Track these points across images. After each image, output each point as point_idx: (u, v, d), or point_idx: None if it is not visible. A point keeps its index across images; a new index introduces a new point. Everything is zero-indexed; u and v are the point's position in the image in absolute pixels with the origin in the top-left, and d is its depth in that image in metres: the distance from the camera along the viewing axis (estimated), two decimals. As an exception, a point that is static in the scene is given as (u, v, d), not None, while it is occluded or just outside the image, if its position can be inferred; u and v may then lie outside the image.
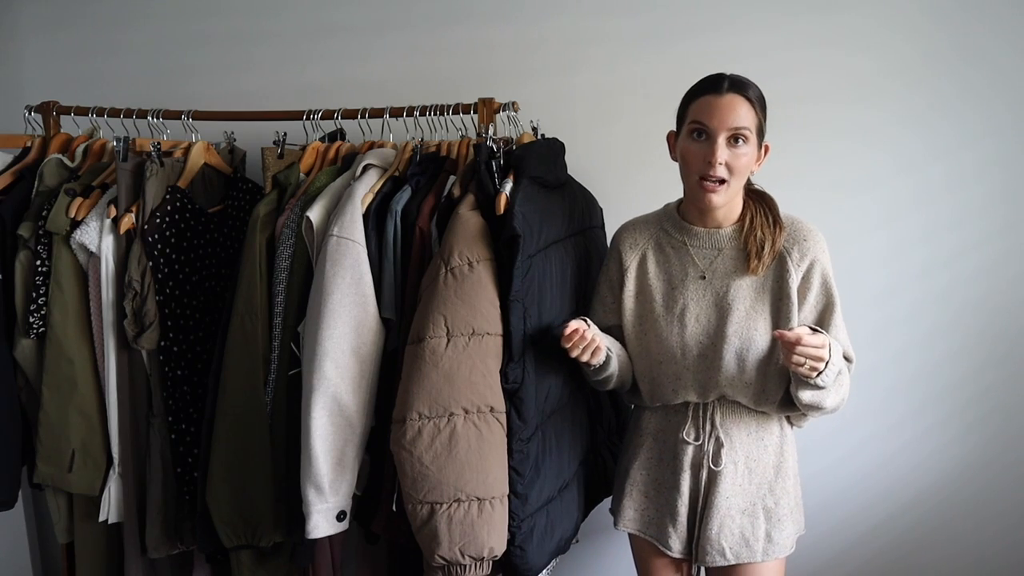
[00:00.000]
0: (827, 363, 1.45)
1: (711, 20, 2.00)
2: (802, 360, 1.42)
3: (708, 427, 1.62)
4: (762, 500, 1.63)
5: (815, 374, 1.45)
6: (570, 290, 1.75)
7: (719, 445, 1.61)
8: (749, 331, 1.57)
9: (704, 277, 1.60)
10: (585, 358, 1.54)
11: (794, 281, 1.56)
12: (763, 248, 1.56)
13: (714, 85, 1.52)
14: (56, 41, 2.45)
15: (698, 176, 1.52)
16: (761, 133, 1.54)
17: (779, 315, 1.57)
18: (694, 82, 1.58)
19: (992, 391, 1.99)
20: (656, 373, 1.64)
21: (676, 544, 1.65)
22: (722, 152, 1.49)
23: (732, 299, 1.57)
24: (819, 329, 1.49)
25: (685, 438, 1.62)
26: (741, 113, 1.49)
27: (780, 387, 1.58)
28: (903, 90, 1.93)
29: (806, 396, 1.51)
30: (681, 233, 1.64)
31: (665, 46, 2.03)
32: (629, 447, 1.75)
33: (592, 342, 1.53)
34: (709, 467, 1.62)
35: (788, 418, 1.68)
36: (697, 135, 1.52)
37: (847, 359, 1.60)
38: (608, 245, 1.96)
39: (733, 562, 1.62)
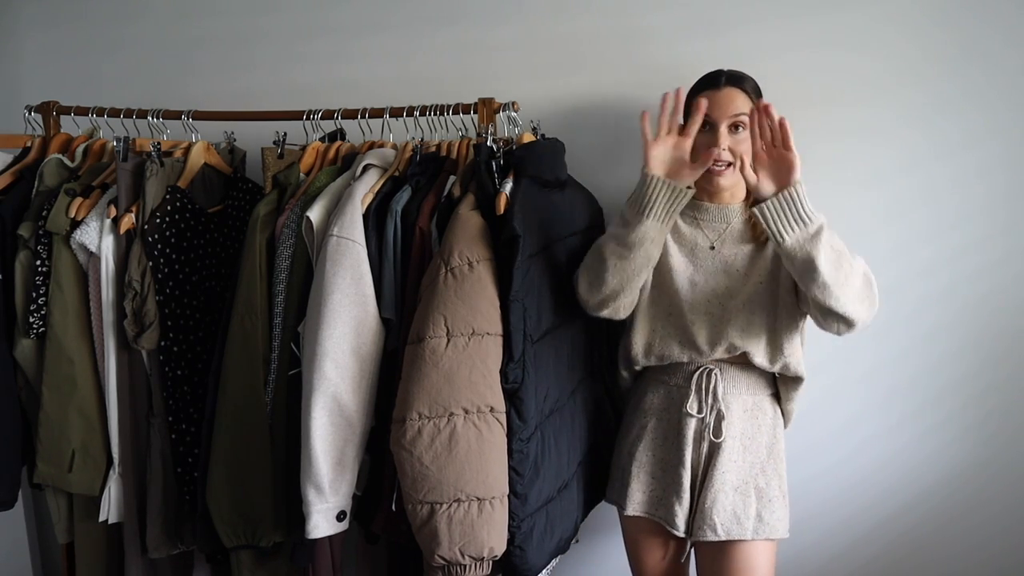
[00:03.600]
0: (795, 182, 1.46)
1: (713, 20, 2.00)
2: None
3: (711, 400, 1.70)
4: (754, 479, 1.70)
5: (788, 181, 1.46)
6: (570, 290, 1.75)
7: (720, 417, 1.69)
8: (756, 288, 1.68)
9: (714, 248, 1.72)
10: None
11: None
12: None
13: (713, 81, 1.69)
14: (56, 40, 2.45)
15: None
16: None
17: (783, 275, 1.67)
18: (694, 81, 1.72)
19: (994, 390, 1.98)
20: (664, 325, 1.72)
21: (681, 522, 1.70)
22: (725, 139, 1.65)
23: (741, 265, 1.71)
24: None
25: (689, 411, 1.70)
26: (739, 103, 1.65)
27: (791, 343, 1.68)
28: (906, 90, 1.93)
29: (823, 268, 1.48)
30: (693, 209, 1.76)
31: (666, 46, 2.02)
32: (632, 429, 1.79)
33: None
34: (710, 439, 1.69)
35: (782, 411, 1.77)
36: (702, 127, 1.65)
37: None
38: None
39: (723, 538, 1.66)
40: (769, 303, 1.68)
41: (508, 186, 1.62)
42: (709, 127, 1.65)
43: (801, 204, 1.46)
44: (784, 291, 1.68)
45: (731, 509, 1.67)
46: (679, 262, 1.72)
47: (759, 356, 1.69)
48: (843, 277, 1.51)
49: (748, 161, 1.60)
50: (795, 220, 1.46)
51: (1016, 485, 2.00)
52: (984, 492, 2.01)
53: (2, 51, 2.48)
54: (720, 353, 1.68)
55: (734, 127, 1.65)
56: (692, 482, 1.70)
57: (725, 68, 1.70)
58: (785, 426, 1.79)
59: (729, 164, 1.66)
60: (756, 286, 1.69)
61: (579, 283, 1.66)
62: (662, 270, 1.73)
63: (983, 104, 1.90)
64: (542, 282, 1.62)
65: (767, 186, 1.49)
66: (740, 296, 1.68)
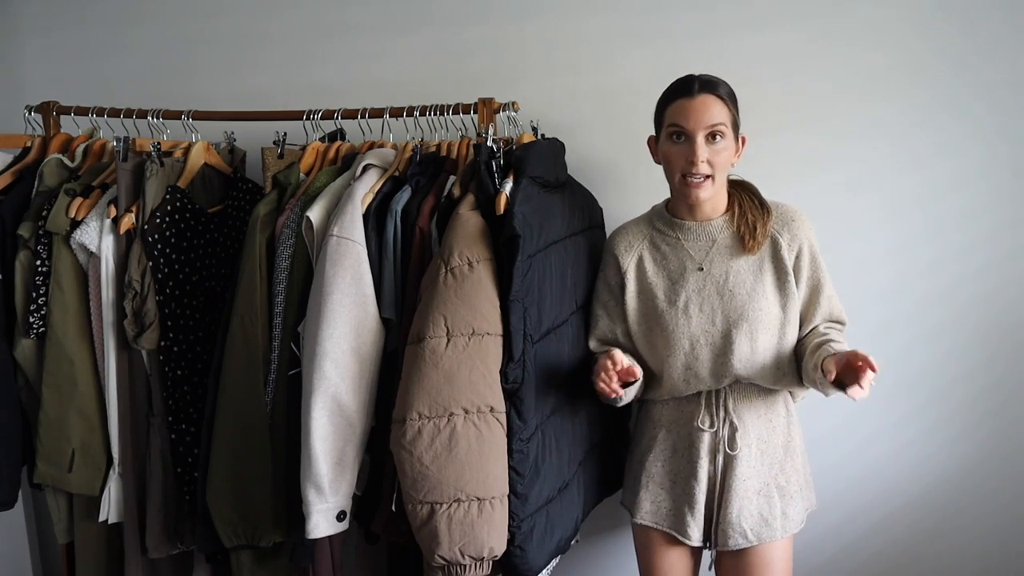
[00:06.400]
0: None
1: (714, 20, 2.00)
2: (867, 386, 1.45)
3: (722, 413, 1.67)
4: (774, 479, 1.68)
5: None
6: (570, 290, 1.75)
7: (733, 430, 1.66)
8: (756, 311, 1.62)
9: (702, 269, 1.66)
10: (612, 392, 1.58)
11: (789, 260, 1.65)
12: (755, 228, 1.64)
13: (686, 88, 1.60)
14: (56, 41, 2.45)
15: (681, 175, 1.61)
16: (736, 126, 1.63)
17: (781, 291, 1.65)
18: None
19: (997, 388, 1.98)
20: (666, 367, 1.67)
21: (695, 532, 1.68)
22: (702, 151, 1.57)
23: (733, 284, 1.64)
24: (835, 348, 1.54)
25: (700, 426, 1.67)
26: (715, 111, 1.57)
27: (793, 362, 1.65)
28: (911, 87, 1.92)
29: (832, 392, 1.56)
30: (674, 229, 1.70)
31: (667, 45, 2.02)
32: (642, 439, 1.77)
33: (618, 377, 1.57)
34: (725, 452, 1.66)
35: (791, 395, 1.75)
36: (676, 137, 1.60)
37: (840, 322, 1.69)
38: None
39: (755, 543, 1.66)
40: (772, 321, 1.63)
41: (508, 186, 1.62)
42: (685, 138, 1.58)
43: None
44: (791, 305, 1.63)
45: (758, 513, 1.65)
46: (665, 297, 1.66)
47: (766, 382, 1.65)
48: None
49: (725, 174, 1.61)
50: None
51: (1019, 482, 2.00)
52: (986, 489, 2.02)
53: (3, 52, 2.48)
54: (726, 383, 1.65)
55: (711, 137, 1.57)
56: (709, 494, 1.67)
57: (697, 72, 1.62)
58: (795, 400, 1.76)
59: (707, 176, 1.58)
60: (754, 303, 1.62)
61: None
62: (649, 315, 1.68)
63: (987, 101, 1.90)
64: (542, 282, 1.62)
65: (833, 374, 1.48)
66: (739, 317, 1.61)
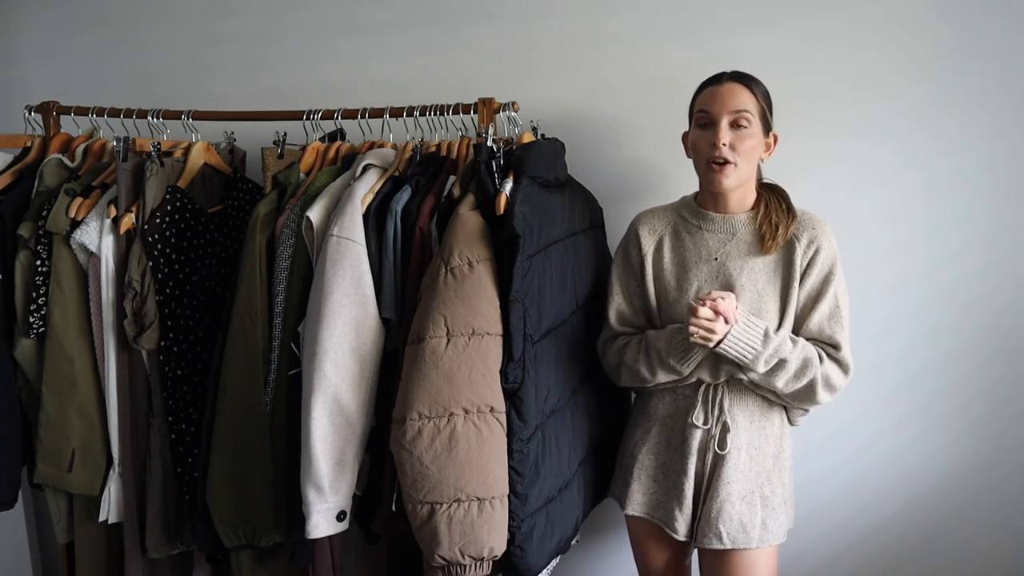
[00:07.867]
0: (723, 338, 1.53)
1: (714, 21, 2.00)
2: (693, 330, 1.52)
3: (716, 412, 1.67)
4: (760, 488, 1.68)
5: (711, 344, 1.54)
6: (570, 290, 1.75)
7: (725, 430, 1.66)
8: (759, 313, 1.62)
9: (717, 259, 1.66)
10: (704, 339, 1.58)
11: (800, 264, 1.64)
12: (777, 229, 1.64)
13: (716, 78, 1.65)
14: (56, 41, 2.45)
15: (706, 160, 1.62)
16: (766, 120, 1.64)
17: (787, 298, 1.64)
18: (696, 81, 1.69)
19: (996, 388, 1.98)
20: None
21: (682, 527, 1.69)
22: (725, 134, 1.59)
23: (743, 282, 1.64)
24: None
25: (694, 422, 1.67)
26: (741, 98, 1.60)
27: None
28: (909, 87, 1.92)
29: (749, 375, 1.61)
30: (697, 219, 1.71)
31: (667, 45, 2.02)
32: (636, 431, 1.78)
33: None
34: (714, 451, 1.66)
35: (786, 412, 1.75)
36: (703, 124, 1.63)
37: (836, 360, 1.65)
38: (607, 245, 1.97)
39: (729, 547, 1.66)
40: (773, 325, 1.62)
41: (508, 186, 1.62)
42: (709, 124, 1.61)
43: (737, 354, 1.56)
44: (790, 310, 1.63)
45: (737, 518, 1.66)
46: (677, 284, 1.68)
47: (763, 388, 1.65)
48: (797, 387, 1.62)
49: (749, 164, 1.60)
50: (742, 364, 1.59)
51: (1019, 484, 2.00)
52: (986, 491, 2.01)
53: (3, 52, 2.48)
54: (723, 378, 1.66)
55: (735, 123, 1.59)
56: (696, 491, 1.68)
57: (728, 70, 1.65)
58: (792, 423, 1.77)
59: (728, 162, 1.59)
60: (760, 304, 1.62)
61: (617, 377, 1.76)
62: (661, 303, 1.71)
63: (985, 101, 1.90)
64: (542, 282, 1.62)
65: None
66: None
